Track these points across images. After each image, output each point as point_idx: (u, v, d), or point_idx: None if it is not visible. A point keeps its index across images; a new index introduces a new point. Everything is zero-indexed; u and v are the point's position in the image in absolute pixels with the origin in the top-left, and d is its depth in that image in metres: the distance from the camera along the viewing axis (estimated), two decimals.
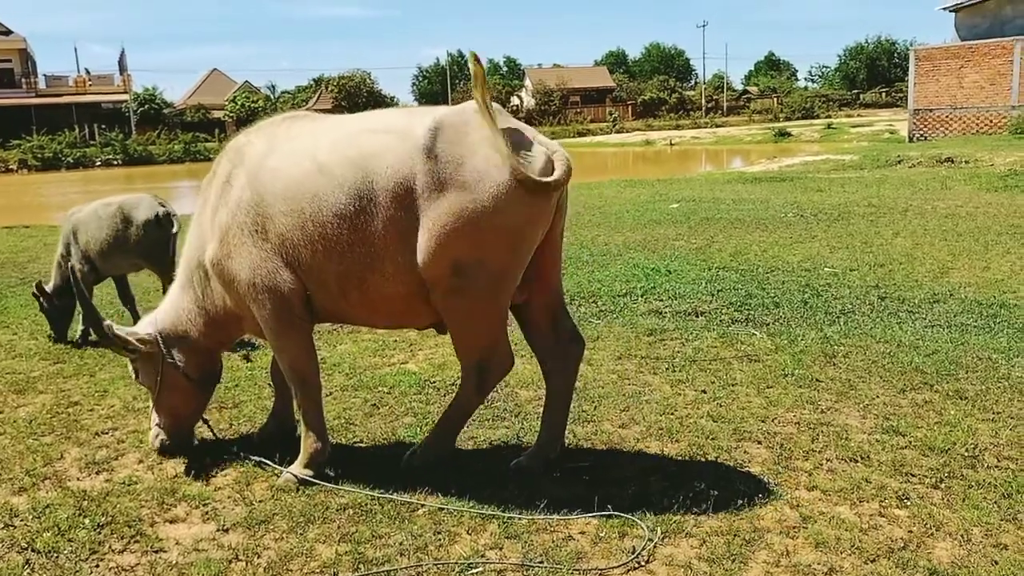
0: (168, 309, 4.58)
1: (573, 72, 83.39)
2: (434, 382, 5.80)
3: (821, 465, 4.27)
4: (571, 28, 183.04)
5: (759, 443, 4.56)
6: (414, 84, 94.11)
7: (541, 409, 5.12)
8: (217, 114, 66.07)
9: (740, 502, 3.87)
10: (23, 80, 62.73)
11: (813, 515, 3.76)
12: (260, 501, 4.07)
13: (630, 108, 77.25)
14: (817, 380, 5.52)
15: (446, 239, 3.78)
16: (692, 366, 5.91)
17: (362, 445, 4.74)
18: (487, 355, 4.11)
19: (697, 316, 7.32)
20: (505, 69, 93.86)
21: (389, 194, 3.82)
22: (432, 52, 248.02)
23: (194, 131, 58.47)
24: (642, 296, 8.09)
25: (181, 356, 4.50)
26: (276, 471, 4.33)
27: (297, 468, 4.25)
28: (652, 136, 58.28)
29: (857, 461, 4.31)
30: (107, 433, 5.08)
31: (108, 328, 4.39)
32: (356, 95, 72.37)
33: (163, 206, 7.09)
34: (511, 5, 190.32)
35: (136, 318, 6.82)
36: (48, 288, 7.31)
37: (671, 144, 52.28)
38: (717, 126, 65.75)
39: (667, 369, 5.88)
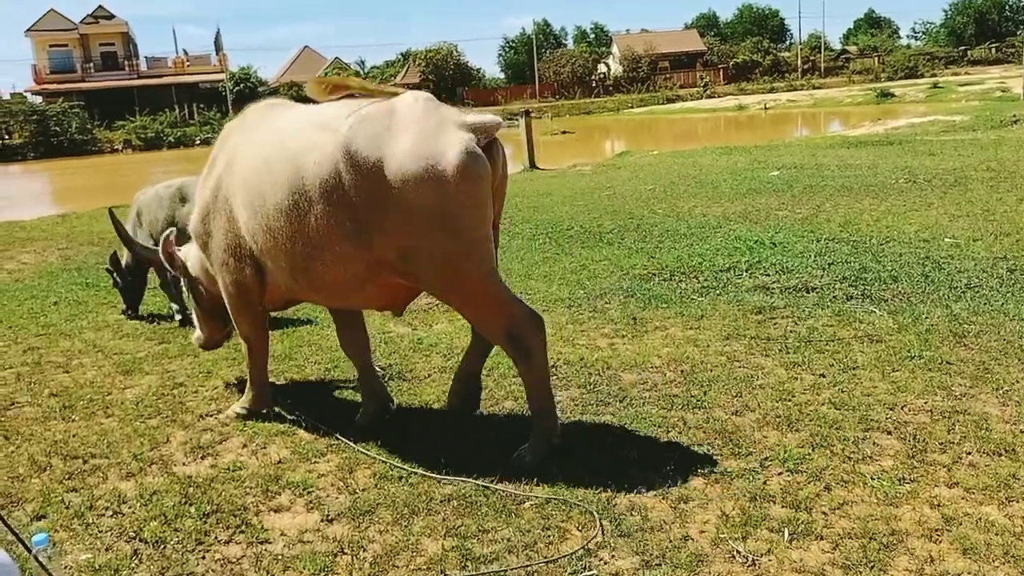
0: (188, 253, 5.24)
1: (662, 37, 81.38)
2: None
3: (961, 459, 3.92)
4: None
5: (889, 433, 4.22)
6: (500, 55, 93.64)
7: (648, 393, 4.94)
8: None
9: (874, 500, 3.58)
10: (126, 62, 65.11)
11: (957, 516, 3.43)
12: (363, 490, 3.97)
13: (722, 72, 75.09)
14: (948, 363, 5.11)
15: (380, 229, 3.88)
16: (807, 347, 5.56)
17: (462, 431, 4.59)
18: (509, 325, 4.01)
19: (808, 292, 6.92)
20: (592, 36, 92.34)
21: (318, 189, 3.94)
22: (518, 22, 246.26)
23: None
24: (747, 271, 7.72)
25: (198, 291, 5.25)
26: (367, 454, 4.25)
27: (237, 406, 5.00)
28: (745, 100, 56.55)
29: (1001, 455, 3.93)
30: (211, 416, 5.08)
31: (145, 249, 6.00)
32: (443, 68, 72.52)
33: None
34: None
35: (181, 303, 7.21)
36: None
37: (765, 108, 50.62)
38: (814, 88, 63.30)
39: (780, 351, 5.54)
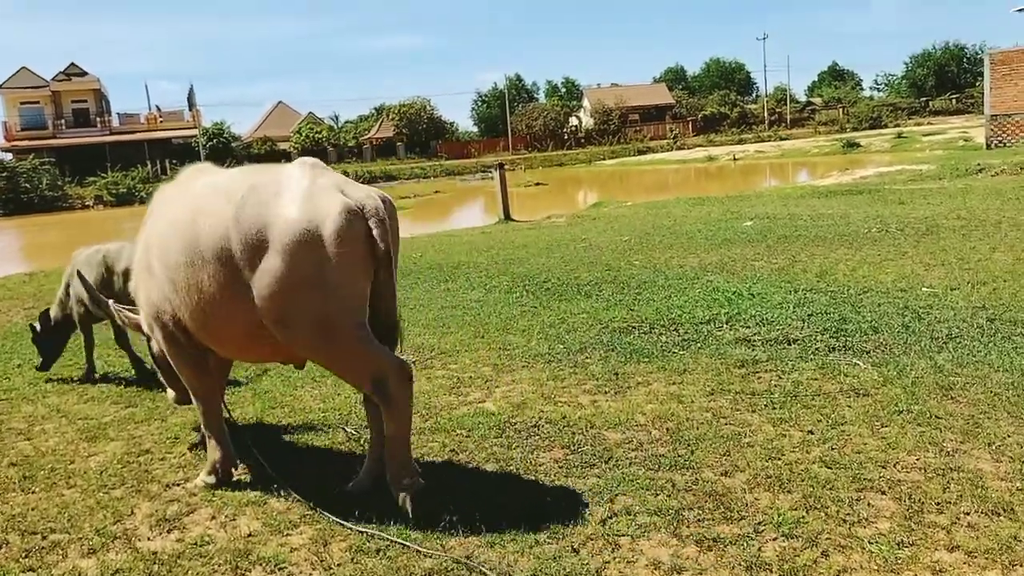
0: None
1: (631, 90, 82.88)
2: (515, 423, 5.46)
3: (959, 520, 3.79)
4: (629, 46, 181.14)
5: (883, 493, 4.09)
6: (473, 108, 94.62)
7: (633, 453, 4.80)
8: (283, 145, 67.31)
9: (874, 566, 3.44)
10: (98, 119, 65.01)
11: None
12: (339, 564, 3.77)
13: (691, 124, 76.44)
14: (936, 417, 5.01)
15: (262, 294, 4.09)
16: (793, 402, 5.45)
17: (444, 498, 4.40)
18: (374, 371, 4.16)
19: (790, 344, 6.83)
20: (564, 91, 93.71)
21: (211, 252, 4.20)
22: (490, 77, 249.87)
23: (262, 163, 59.48)
24: (727, 323, 7.64)
25: (149, 346, 5.43)
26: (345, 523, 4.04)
27: (203, 476, 4.84)
28: (714, 151, 57.41)
29: (999, 514, 3.81)
30: (178, 485, 4.86)
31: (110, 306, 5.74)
32: (416, 121, 73.11)
33: None
34: (568, 26, 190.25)
35: (133, 358, 7.35)
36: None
37: (734, 159, 51.40)
38: (781, 139, 64.51)
39: (766, 406, 5.43)
